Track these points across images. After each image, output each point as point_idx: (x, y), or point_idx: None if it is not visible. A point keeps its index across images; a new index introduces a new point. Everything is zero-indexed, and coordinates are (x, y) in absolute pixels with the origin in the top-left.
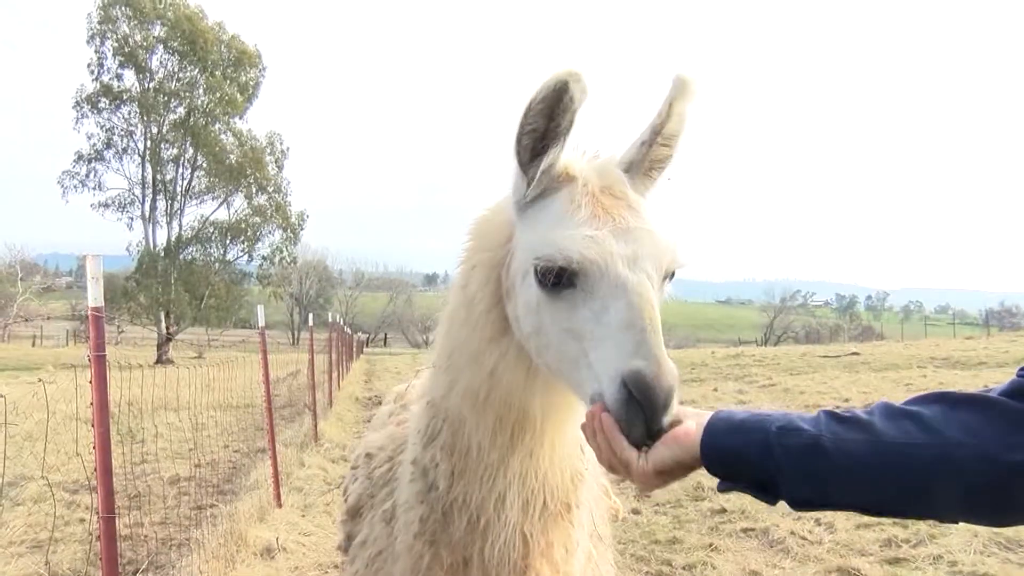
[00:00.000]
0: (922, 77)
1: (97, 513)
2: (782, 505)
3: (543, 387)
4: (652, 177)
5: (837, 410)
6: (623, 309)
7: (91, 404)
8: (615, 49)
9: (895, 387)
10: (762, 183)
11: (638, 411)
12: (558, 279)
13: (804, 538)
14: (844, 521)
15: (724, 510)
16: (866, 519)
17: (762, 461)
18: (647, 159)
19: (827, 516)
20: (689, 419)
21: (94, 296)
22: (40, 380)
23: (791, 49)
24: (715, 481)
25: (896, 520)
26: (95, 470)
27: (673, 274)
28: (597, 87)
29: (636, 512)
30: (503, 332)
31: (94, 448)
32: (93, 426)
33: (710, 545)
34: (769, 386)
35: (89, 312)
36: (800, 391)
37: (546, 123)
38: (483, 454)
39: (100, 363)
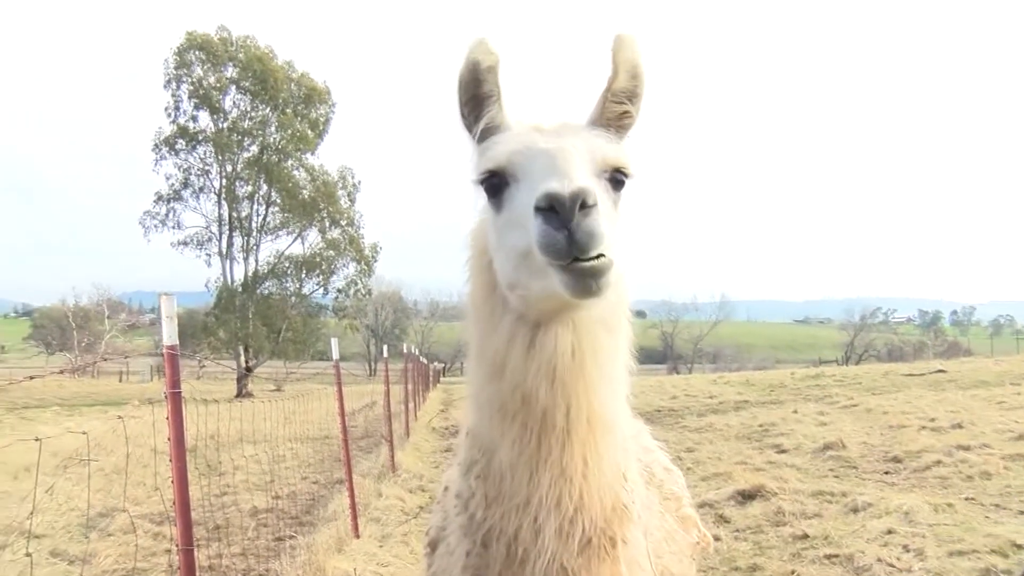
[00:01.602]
0: (1008, 75)
1: (176, 545)
2: (868, 529)
3: (549, 369)
4: (616, 136)
5: None
6: (544, 162)
7: (168, 439)
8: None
9: (986, 405)
10: (839, 198)
11: (557, 222)
12: (497, 187)
13: (892, 565)
14: (935, 548)
15: (806, 535)
16: (960, 546)
17: None
18: (603, 115)
19: (916, 542)
20: None
21: (168, 335)
22: (120, 417)
23: (885, 50)
24: (797, 506)
25: (994, 549)
26: (173, 503)
27: (622, 178)
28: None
29: (716, 538)
30: (500, 317)
31: (172, 482)
32: (171, 460)
33: (792, 572)
34: (851, 406)
35: (164, 350)
36: (883, 411)
37: (476, 89)
38: (512, 473)
39: (176, 399)
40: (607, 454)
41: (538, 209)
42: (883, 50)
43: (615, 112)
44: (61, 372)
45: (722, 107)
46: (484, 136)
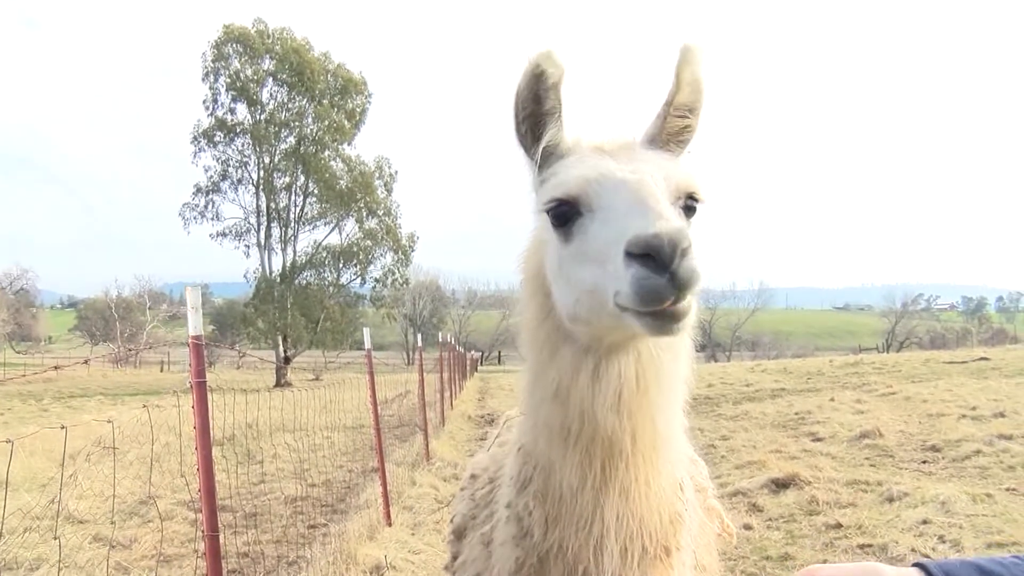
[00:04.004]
0: None
1: (203, 531)
2: (903, 519)
3: (615, 394)
4: (673, 151)
5: None
6: (625, 197)
7: (194, 427)
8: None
9: None
10: (880, 182)
11: (653, 266)
12: (566, 217)
13: (927, 556)
14: (972, 539)
15: (840, 525)
16: (999, 538)
17: None
18: (664, 131)
19: (952, 533)
20: None
21: (194, 325)
22: (144, 406)
23: (921, 37)
24: (831, 495)
25: None
26: (199, 491)
27: (694, 205)
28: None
29: (748, 527)
30: (560, 343)
31: (198, 470)
32: (196, 449)
33: (824, 562)
34: (889, 394)
35: (190, 341)
36: (923, 399)
37: (536, 106)
38: (576, 497)
39: (201, 389)
40: (667, 470)
41: (631, 255)
42: (925, 33)
43: (676, 127)
44: (86, 362)
45: (760, 92)
46: (543, 157)
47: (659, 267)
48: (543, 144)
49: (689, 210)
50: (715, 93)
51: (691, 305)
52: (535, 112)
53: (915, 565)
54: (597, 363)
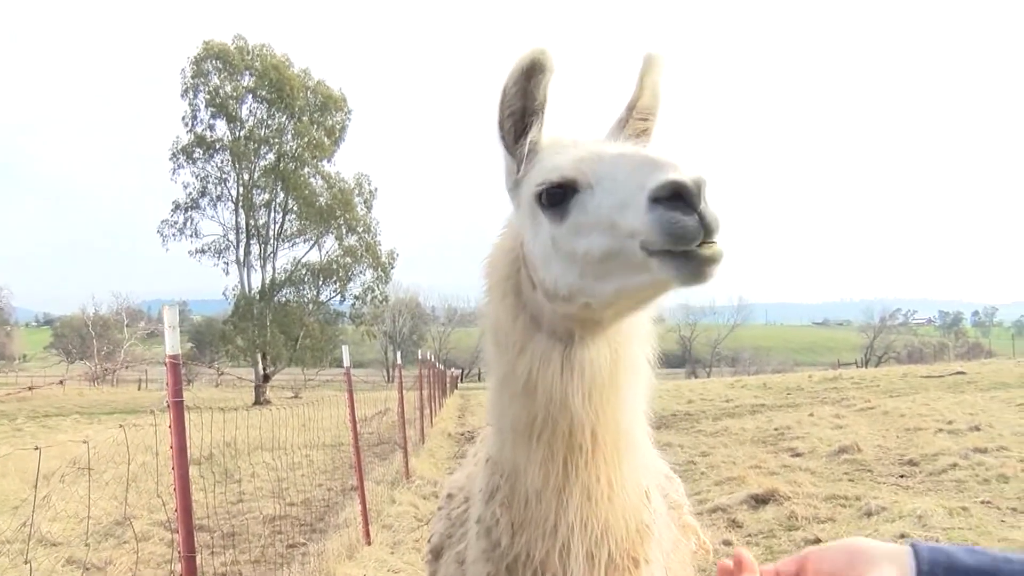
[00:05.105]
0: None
1: (179, 552)
2: (881, 533)
3: (586, 385)
4: None
5: None
6: (629, 160)
7: (171, 447)
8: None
9: (1005, 407)
10: (858, 198)
11: (683, 208)
12: (560, 197)
13: None
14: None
15: (819, 540)
16: None
17: None
18: (626, 131)
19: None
20: (880, 562)
21: (171, 344)
22: (121, 426)
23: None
24: (810, 510)
25: None
26: (176, 510)
27: None
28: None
29: (727, 543)
30: (531, 336)
31: (175, 490)
32: (173, 468)
33: None
34: (867, 409)
35: (167, 360)
36: (900, 414)
37: (523, 102)
38: (540, 499)
39: (178, 408)
40: (631, 474)
41: (656, 200)
42: (898, 52)
43: (637, 129)
44: (61, 382)
45: (737, 108)
46: (522, 156)
47: (686, 208)
48: (527, 142)
49: None
50: (674, 97)
51: (723, 249)
52: (521, 109)
53: (911, 546)
54: (568, 349)
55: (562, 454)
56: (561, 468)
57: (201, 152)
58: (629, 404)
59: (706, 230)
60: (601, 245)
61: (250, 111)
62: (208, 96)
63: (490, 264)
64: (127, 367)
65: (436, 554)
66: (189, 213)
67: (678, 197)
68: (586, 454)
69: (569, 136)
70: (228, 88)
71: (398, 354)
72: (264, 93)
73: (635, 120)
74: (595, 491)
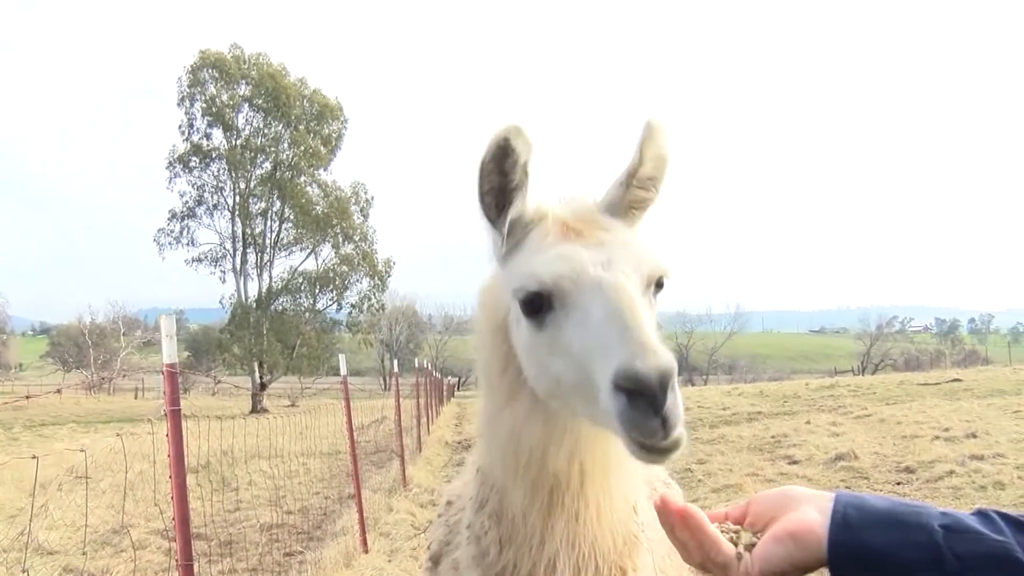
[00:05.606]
0: None
1: (177, 560)
2: None
3: (569, 438)
4: (634, 216)
5: (1009, 511)
6: (602, 305)
7: (169, 455)
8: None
9: (1002, 414)
10: (854, 206)
11: (646, 406)
12: (538, 307)
13: None
14: None
15: None
16: None
17: (928, 570)
18: (625, 199)
19: None
20: (804, 504)
21: (168, 353)
22: (118, 435)
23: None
24: None
25: None
26: (173, 519)
27: (662, 284)
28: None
29: None
30: (518, 391)
31: (172, 498)
32: (171, 477)
33: None
34: (864, 416)
35: (164, 368)
36: (897, 421)
37: (501, 179)
38: (527, 520)
39: (175, 416)
40: (619, 493)
41: (619, 388)
42: (894, 59)
43: (638, 197)
44: (58, 391)
45: (733, 116)
46: (508, 228)
47: (649, 406)
48: (508, 218)
49: (658, 287)
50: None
51: (681, 437)
52: (500, 185)
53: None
54: (555, 413)
55: (547, 488)
56: (547, 498)
57: (197, 161)
58: (617, 444)
59: (667, 431)
60: (572, 378)
61: (246, 120)
62: (204, 105)
63: (483, 306)
64: (124, 376)
65: (435, 561)
66: (185, 222)
67: (640, 393)
68: (573, 489)
69: (560, 208)
70: (224, 97)
71: (395, 362)
72: (260, 102)
73: (635, 188)
74: (583, 514)
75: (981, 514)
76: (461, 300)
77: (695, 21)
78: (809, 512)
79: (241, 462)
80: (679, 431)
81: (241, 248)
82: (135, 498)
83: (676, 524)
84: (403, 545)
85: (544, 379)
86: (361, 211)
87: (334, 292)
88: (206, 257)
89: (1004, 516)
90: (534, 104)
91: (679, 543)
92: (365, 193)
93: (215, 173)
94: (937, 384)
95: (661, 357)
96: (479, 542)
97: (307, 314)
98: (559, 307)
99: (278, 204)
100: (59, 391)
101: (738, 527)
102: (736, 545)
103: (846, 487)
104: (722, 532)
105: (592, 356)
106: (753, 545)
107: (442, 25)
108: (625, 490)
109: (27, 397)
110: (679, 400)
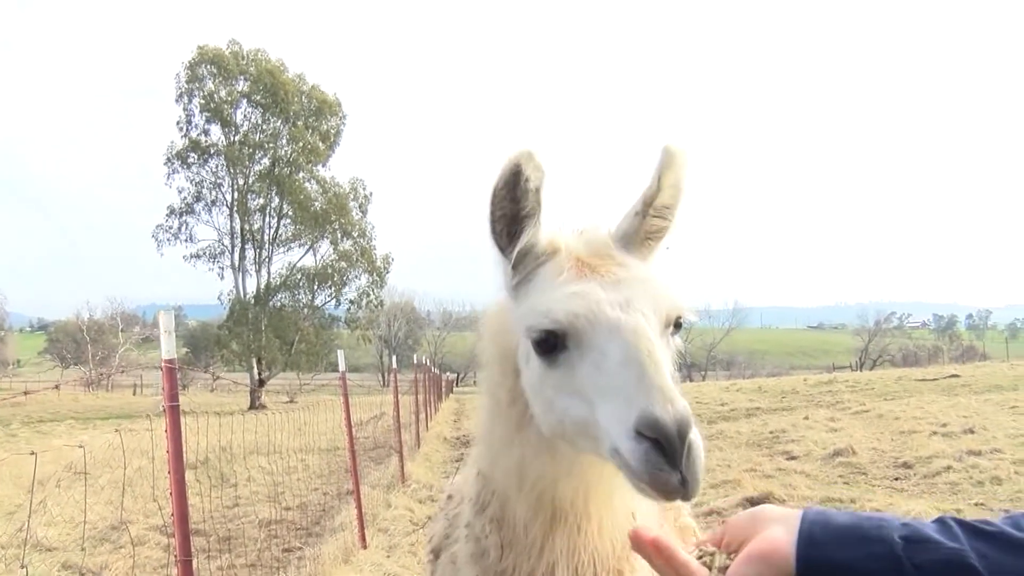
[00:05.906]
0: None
1: (176, 556)
2: None
3: (577, 471)
4: (650, 246)
5: (967, 518)
6: (619, 348)
7: (167, 451)
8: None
9: (999, 410)
10: (852, 202)
11: (659, 454)
12: (552, 346)
13: None
14: None
15: None
16: None
17: None
18: (642, 229)
19: None
20: (773, 524)
21: (167, 349)
22: (117, 431)
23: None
24: None
25: None
26: (172, 515)
27: (679, 324)
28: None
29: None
30: (526, 424)
31: (170, 494)
32: (169, 473)
33: None
34: (862, 412)
35: (163, 364)
36: (895, 416)
37: (513, 206)
38: (528, 530)
39: (174, 412)
40: (620, 504)
41: (640, 435)
42: (892, 56)
43: (654, 227)
44: (56, 387)
45: (732, 112)
46: (519, 258)
47: (669, 458)
48: (518, 247)
49: (676, 327)
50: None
51: (697, 486)
52: (512, 212)
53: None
54: (562, 449)
55: (551, 508)
56: (550, 516)
57: (196, 157)
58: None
59: (687, 488)
60: (580, 416)
61: (245, 116)
62: (203, 101)
63: (491, 337)
64: (122, 372)
65: (436, 554)
66: (184, 218)
67: (659, 442)
68: (577, 508)
69: (574, 241)
70: (223, 93)
71: (393, 358)
72: (259, 98)
73: (651, 217)
74: (585, 527)
75: (940, 522)
76: (460, 296)
77: (695, 21)
78: (777, 531)
79: (240, 458)
80: (697, 490)
81: (239, 244)
82: (134, 494)
83: (651, 554)
84: (401, 541)
85: (550, 417)
86: (360, 207)
87: (332, 288)
88: (204, 253)
89: (961, 523)
90: (534, 104)
91: (657, 570)
92: (364, 189)
93: (213, 169)
94: (935, 380)
95: (678, 405)
96: (478, 542)
97: (305, 310)
98: (573, 347)
99: (276, 200)
100: (57, 387)
101: (713, 549)
102: (710, 568)
103: (844, 483)
104: (699, 555)
105: (606, 399)
106: (726, 568)
107: (445, 20)
108: (627, 503)
109: (25, 393)
110: (701, 459)
